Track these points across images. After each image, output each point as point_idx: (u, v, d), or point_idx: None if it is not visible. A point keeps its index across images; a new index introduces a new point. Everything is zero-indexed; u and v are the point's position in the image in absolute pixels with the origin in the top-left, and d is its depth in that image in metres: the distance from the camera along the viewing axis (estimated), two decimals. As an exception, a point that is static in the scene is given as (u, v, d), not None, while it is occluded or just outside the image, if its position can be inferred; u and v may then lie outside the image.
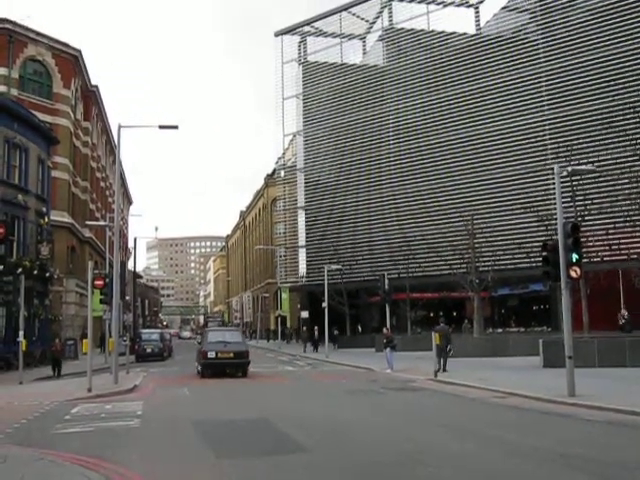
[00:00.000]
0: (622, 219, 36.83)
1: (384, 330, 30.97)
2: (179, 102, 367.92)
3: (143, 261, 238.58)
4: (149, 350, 41.72)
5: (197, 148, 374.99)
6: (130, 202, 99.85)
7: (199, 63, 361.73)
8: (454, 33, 59.62)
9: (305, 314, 61.82)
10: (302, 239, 69.38)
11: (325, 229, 64.77)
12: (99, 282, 25.93)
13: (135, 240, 55.71)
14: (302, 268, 69.06)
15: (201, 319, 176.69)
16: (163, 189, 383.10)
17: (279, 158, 76.91)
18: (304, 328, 48.77)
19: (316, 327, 44.98)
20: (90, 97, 59.23)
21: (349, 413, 16.03)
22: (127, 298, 45.10)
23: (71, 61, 50.67)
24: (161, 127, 26.75)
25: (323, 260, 56.48)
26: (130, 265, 58.11)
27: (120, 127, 26.38)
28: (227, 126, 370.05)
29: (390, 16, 64.30)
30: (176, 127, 26.67)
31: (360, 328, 61.47)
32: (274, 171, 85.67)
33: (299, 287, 69.35)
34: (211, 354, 26.84)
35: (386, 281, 38.68)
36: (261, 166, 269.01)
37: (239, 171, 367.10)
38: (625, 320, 37.84)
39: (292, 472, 9.59)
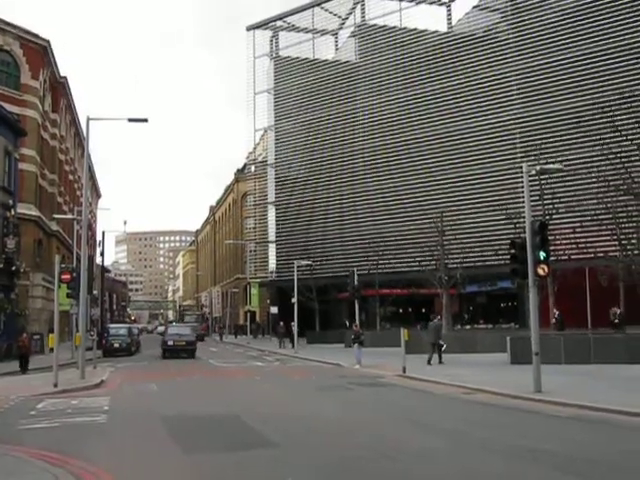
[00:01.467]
0: (589, 218, 37.30)
1: (353, 326, 31.07)
2: (151, 96, 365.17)
3: (111, 255, 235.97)
4: (117, 345, 41.35)
5: (167, 142, 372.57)
6: (99, 196, 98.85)
7: (171, 56, 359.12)
8: (426, 31, 59.87)
9: (274, 309, 61.77)
10: (272, 234, 69.36)
11: (295, 224, 64.78)
12: (66, 276, 25.60)
13: (103, 234, 55.15)
14: (272, 263, 69.02)
15: (170, 314, 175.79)
16: (133, 183, 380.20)
17: (250, 153, 76.77)
18: (281, 323, 48.55)
19: (293, 322, 44.94)
20: (59, 88, 58.43)
21: (318, 409, 16.04)
22: (94, 292, 44.57)
23: (40, 52, 49.87)
24: (130, 120, 26.52)
25: (293, 255, 56.43)
26: (98, 259, 57.48)
27: (89, 119, 26.12)
28: (198, 120, 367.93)
29: (363, 12, 64.46)
30: (146, 120, 26.47)
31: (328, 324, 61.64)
32: (245, 166, 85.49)
33: (269, 282, 69.28)
34: (170, 342, 38.88)
35: (355, 277, 38.77)
36: (232, 161, 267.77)
37: (209, 166, 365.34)
38: (619, 317, 37.88)
39: (260, 467, 9.59)
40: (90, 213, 69.34)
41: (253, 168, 75.66)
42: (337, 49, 68.83)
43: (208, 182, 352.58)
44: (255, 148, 74.86)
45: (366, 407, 16.52)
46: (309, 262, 50.29)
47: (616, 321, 36.01)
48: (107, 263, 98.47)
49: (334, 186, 62.14)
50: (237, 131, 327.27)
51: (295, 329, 42.80)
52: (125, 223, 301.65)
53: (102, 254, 56.97)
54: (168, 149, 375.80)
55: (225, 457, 10.24)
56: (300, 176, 66.49)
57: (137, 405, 17.05)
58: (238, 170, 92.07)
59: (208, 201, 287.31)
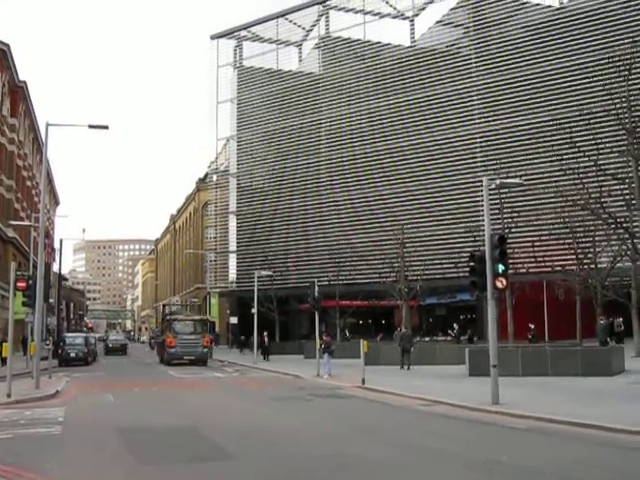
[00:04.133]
0: (547, 232, 37.85)
1: (324, 336, 31.02)
2: (113, 102, 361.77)
3: (69, 263, 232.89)
4: (73, 354, 40.73)
5: (129, 150, 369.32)
6: (57, 203, 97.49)
7: (133, 65, 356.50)
8: (389, 44, 60.44)
9: (234, 320, 61.40)
10: (233, 244, 69.03)
11: (256, 235, 64.62)
12: (22, 284, 25.11)
13: (61, 241, 54.56)
14: (232, 273, 68.65)
15: (128, 323, 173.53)
16: (92, 191, 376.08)
17: (212, 162, 76.45)
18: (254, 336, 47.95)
19: (265, 333, 44.75)
20: (18, 93, 57.62)
21: (277, 420, 15.97)
22: (51, 301, 43.96)
23: (-2, 55, 49.21)
24: (91, 127, 26.23)
25: (253, 266, 56.24)
26: (55, 267, 56.56)
27: (48, 125, 25.76)
28: (161, 129, 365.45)
29: (327, 24, 64.79)
30: (106, 127, 26.20)
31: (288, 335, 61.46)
32: (206, 175, 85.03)
33: (229, 292, 68.91)
34: (110, 344, 60.61)
35: (316, 288, 38.64)
36: (193, 170, 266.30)
37: (171, 175, 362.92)
38: (532, 333, 39.58)
39: (213, 477, 9.49)
40: (48, 220, 68.21)
41: (215, 177, 75.29)
42: (301, 60, 69.02)
43: (169, 191, 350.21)
44: (217, 157, 74.55)
45: (324, 419, 16.49)
46: (269, 272, 50.18)
47: (529, 336, 37.51)
48: (64, 271, 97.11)
49: (295, 197, 62.19)
50: (199, 140, 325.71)
51: (255, 340, 42.57)
52: (84, 231, 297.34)
53: (59, 262, 56.13)
54: (129, 157, 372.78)
55: (182, 469, 10.12)
56: (262, 186, 66.44)
57: (93, 416, 16.78)
58: (200, 179, 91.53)
59: (169, 210, 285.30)
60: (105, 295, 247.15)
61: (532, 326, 39.52)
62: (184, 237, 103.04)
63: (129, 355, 57.90)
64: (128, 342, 71.33)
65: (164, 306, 53.98)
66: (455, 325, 46.28)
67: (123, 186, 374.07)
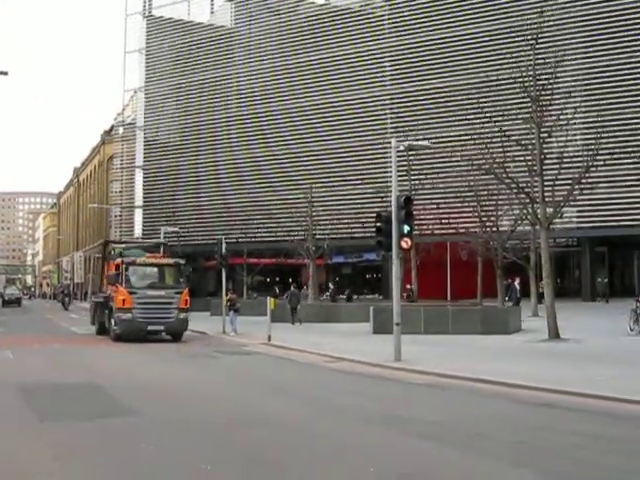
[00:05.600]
0: (452, 195, 38.72)
1: (229, 293, 30.91)
2: (13, 49, 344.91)
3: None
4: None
5: (30, 99, 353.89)
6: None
7: (37, 10, 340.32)
8: (304, 0, 59.75)
9: (140, 276, 60.42)
10: (139, 199, 67.64)
11: (164, 190, 63.51)
12: None
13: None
14: (138, 229, 67.36)
15: (29, 279, 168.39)
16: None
17: (118, 114, 74.29)
18: None
19: None
20: None
21: (182, 376, 15.93)
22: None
23: None
24: (-11, 72, 24.95)
25: (160, 222, 55.33)
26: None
27: (-58, 68, 24.34)
28: (66, 77, 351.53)
29: (239, -23, 63.42)
30: (5, 73, 25.14)
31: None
32: (112, 127, 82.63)
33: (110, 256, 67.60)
34: (6, 298, 60.54)
35: (223, 245, 38.44)
36: (99, 121, 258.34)
37: (75, 126, 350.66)
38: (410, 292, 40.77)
39: (118, 434, 9.40)
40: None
41: (121, 130, 73.30)
42: (213, 12, 67.50)
43: (73, 143, 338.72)
44: (124, 109, 72.51)
45: (230, 375, 16.54)
46: (176, 229, 49.50)
47: (408, 295, 38.87)
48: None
49: (205, 152, 61.31)
50: (106, 90, 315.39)
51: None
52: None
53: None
54: (31, 106, 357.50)
55: (84, 425, 9.95)
56: (170, 141, 65.14)
57: (-10, 372, 16.27)
58: (105, 131, 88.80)
59: (72, 162, 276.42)
60: (4, 250, 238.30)
61: (409, 286, 40.37)
62: (88, 191, 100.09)
63: (30, 311, 56.22)
64: (22, 295, 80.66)
65: (107, 243, 34.09)
66: (330, 285, 47.23)
67: (24, 137, 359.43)
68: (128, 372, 16.85)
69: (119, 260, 25.83)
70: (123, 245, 35.14)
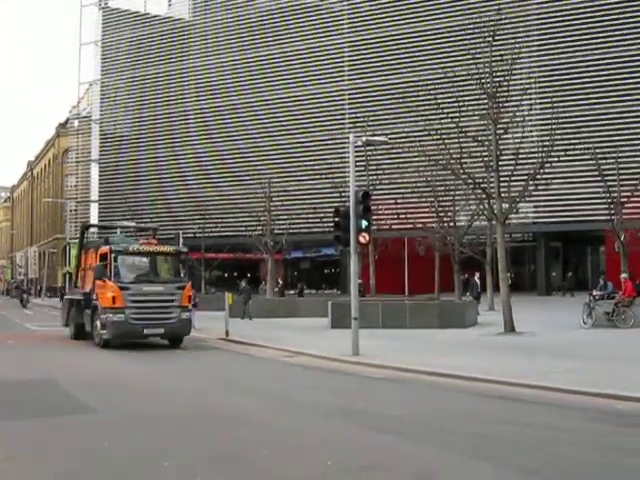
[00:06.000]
0: (410, 190, 38.95)
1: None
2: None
3: None
4: None
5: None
6: None
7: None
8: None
9: (95, 272, 59.65)
10: (95, 193, 66.73)
11: (120, 184, 62.78)
12: None
13: None
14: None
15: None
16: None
17: (73, 107, 73.22)
18: None
19: None
20: None
21: (139, 372, 15.76)
22: None
23: None
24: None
25: (116, 216, 54.69)
26: None
27: None
28: (19, 69, 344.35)
29: (198, -31, 62.90)
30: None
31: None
32: (67, 120, 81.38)
33: (90, 243, 66.73)
34: None
35: (181, 240, 38.28)
36: (54, 114, 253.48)
37: (29, 118, 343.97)
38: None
39: (73, 432, 9.26)
40: None
41: (76, 123, 72.19)
42: (170, 5, 66.79)
43: (27, 136, 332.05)
44: (79, 102, 71.42)
45: (188, 371, 16.43)
46: (133, 224, 48.92)
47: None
48: None
49: (162, 146, 60.78)
50: (61, 82, 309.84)
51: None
52: None
53: None
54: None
55: (38, 423, 9.77)
56: (127, 134, 64.39)
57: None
58: (60, 124, 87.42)
59: (26, 156, 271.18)
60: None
61: (360, 281, 40.57)
62: (43, 185, 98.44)
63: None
64: None
65: (86, 227, 31.22)
66: (279, 280, 47.18)
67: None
68: (85, 367, 16.64)
69: (106, 248, 20.95)
70: (109, 230, 30.01)
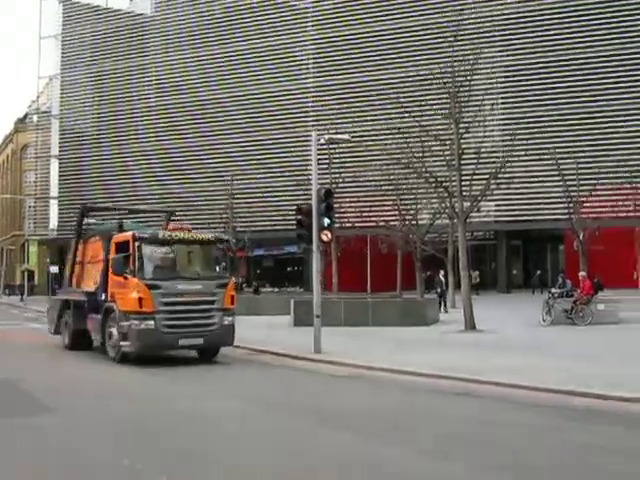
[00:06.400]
0: (373, 188, 39.12)
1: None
2: None
3: None
4: None
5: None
6: None
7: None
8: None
9: (55, 269, 58.78)
10: (54, 190, 65.80)
11: (80, 180, 61.96)
12: None
13: None
14: (54, 221, 65.54)
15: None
16: None
17: (33, 102, 72.08)
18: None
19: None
20: None
21: (107, 374, 15.61)
22: None
23: None
24: None
25: (76, 213, 53.92)
26: None
27: None
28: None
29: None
30: None
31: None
32: (26, 115, 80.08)
33: (50, 240, 65.85)
34: None
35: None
36: (12, 109, 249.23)
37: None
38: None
39: (29, 434, 9.11)
40: None
41: (35, 118, 71.09)
42: (131, 0, 66.10)
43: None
44: (39, 97, 70.35)
45: (138, 370, 16.28)
46: (93, 220, 48.29)
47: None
48: None
49: (123, 143, 60.12)
50: (19, 77, 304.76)
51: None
52: None
53: None
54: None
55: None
56: (87, 130, 63.57)
57: None
58: (19, 119, 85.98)
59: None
60: None
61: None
62: (1, 181, 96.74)
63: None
64: None
65: (87, 210, 25.15)
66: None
67: None
68: (46, 368, 16.43)
69: (128, 235, 16.55)
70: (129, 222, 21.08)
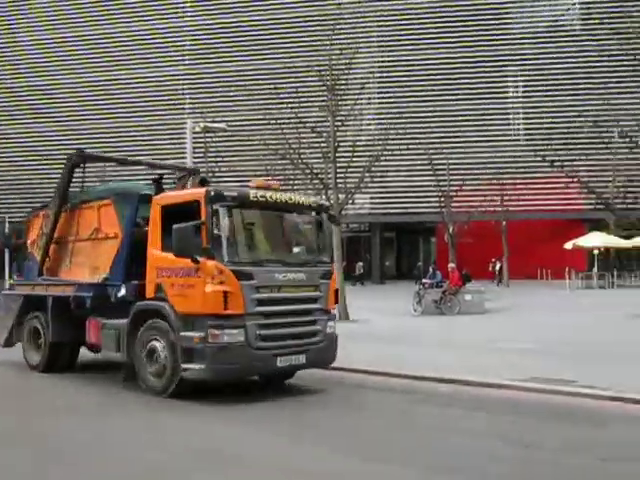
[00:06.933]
0: (249, 178, 38.94)
1: (15, 276, 28.79)
2: None
3: None
4: None
5: None
6: None
7: None
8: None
9: None
10: None
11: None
12: None
13: None
14: None
15: None
16: None
17: None
18: None
19: None
20: None
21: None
22: None
23: None
24: None
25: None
26: None
27: None
28: None
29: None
30: None
31: None
32: None
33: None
34: None
35: (6, 225, 36.24)
36: None
37: None
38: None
39: None
40: None
41: None
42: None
43: None
44: None
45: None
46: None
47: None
48: None
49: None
50: None
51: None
52: None
53: None
54: None
55: None
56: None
57: None
58: None
59: None
60: None
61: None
62: None
63: None
64: None
65: (83, 158, 14.75)
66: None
67: None
68: None
69: (198, 193, 10.30)
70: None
